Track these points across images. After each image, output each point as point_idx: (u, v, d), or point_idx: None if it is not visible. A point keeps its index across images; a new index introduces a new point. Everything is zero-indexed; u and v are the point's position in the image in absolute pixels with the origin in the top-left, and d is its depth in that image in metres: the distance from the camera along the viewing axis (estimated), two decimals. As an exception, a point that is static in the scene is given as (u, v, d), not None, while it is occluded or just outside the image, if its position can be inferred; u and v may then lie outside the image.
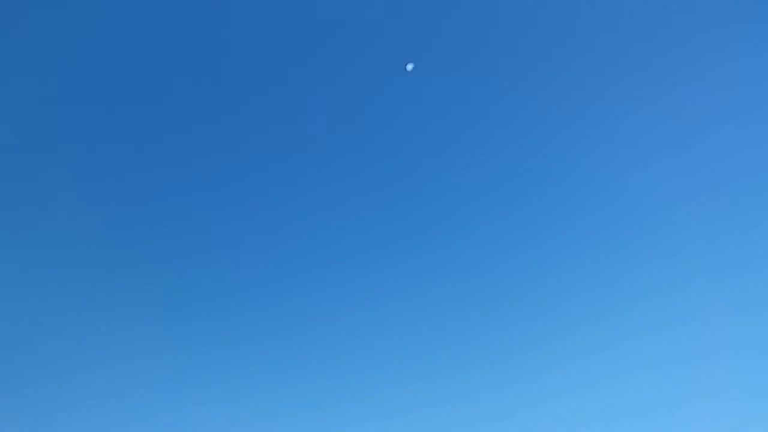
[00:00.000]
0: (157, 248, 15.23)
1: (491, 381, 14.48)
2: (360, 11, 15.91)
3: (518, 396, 14.30)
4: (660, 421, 13.70)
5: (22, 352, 14.16)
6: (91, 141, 15.47)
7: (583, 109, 15.72)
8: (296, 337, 14.94)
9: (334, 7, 15.88)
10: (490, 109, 15.92)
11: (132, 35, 15.65)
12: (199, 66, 15.84)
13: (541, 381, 14.40)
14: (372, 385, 14.54)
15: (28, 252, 14.83)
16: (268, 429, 14.07)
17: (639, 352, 14.38)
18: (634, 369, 14.28)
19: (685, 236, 14.97)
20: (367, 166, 15.85)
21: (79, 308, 14.69)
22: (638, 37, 15.76)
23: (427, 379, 14.61)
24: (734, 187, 15.04)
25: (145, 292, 14.96)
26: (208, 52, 15.87)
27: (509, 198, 15.66)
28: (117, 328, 14.62)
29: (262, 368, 14.74)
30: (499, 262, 15.33)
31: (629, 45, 15.76)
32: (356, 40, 15.90)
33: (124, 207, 15.33)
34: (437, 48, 15.89)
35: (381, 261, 15.44)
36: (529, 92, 15.87)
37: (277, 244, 15.51)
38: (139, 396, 14.17)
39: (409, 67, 15.21)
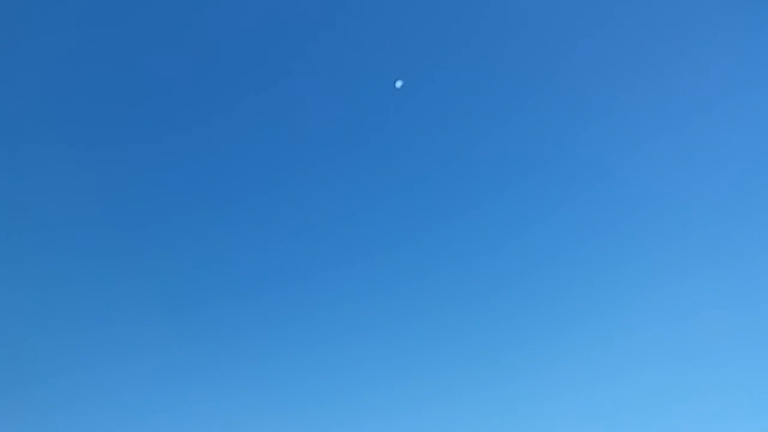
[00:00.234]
0: (154, 243, 15.26)
1: (491, 378, 14.53)
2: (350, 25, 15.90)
3: (517, 393, 14.37)
4: (661, 417, 13.75)
5: (15, 351, 14.13)
6: (85, 135, 15.47)
7: (575, 100, 15.76)
8: (295, 333, 14.98)
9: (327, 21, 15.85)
10: (479, 100, 15.95)
11: (127, 30, 15.64)
12: (196, 58, 15.83)
13: (540, 378, 14.46)
14: (371, 382, 14.59)
15: (20, 247, 14.79)
16: (268, 427, 14.09)
17: (638, 348, 14.43)
18: (634, 365, 14.34)
19: (682, 229, 15.01)
20: (365, 160, 15.87)
21: (74, 305, 14.70)
22: (630, 24, 15.78)
23: (428, 376, 14.65)
24: (732, 179, 15.07)
25: (141, 288, 14.94)
26: (206, 47, 15.86)
27: (504, 192, 15.70)
28: (111, 325, 14.61)
29: (261, 365, 14.75)
30: (497, 257, 15.37)
31: (622, 34, 15.78)
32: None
33: (119, 201, 15.34)
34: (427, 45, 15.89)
35: (379, 257, 15.46)
36: (518, 85, 15.91)
37: (274, 240, 15.53)
38: (136, 395, 14.20)
39: (398, 84, 15.30)
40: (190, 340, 14.67)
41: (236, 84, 15.83)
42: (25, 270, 14.64)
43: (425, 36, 15.90)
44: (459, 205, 15.62)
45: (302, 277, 15.24)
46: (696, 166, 15.19)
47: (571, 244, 15.23)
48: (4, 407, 13.69)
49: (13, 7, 15.15)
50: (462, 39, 15.89)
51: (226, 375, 14.50)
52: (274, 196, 15.63)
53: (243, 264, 15.24)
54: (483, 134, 15.80)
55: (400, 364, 14.69)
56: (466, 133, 15.84)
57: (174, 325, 14.73)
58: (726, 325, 14.21)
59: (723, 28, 15.34)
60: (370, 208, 15.64)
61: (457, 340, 14.79)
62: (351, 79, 15.91)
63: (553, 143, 15.68)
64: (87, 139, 15.36)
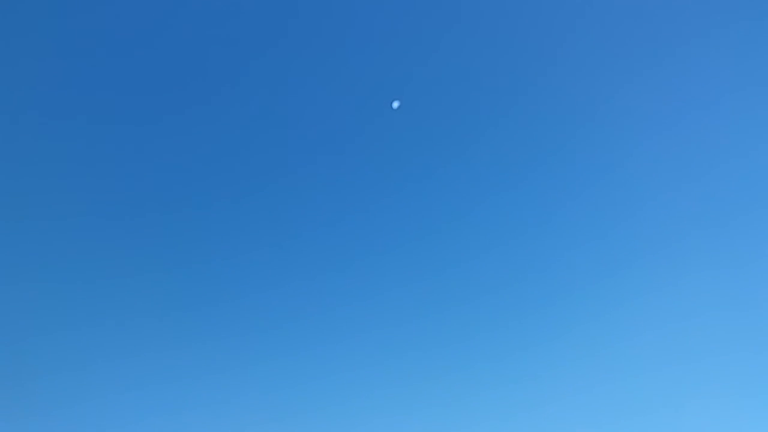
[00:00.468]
0: (151, 244, 15.26)
1: (490, 380, 14.44)
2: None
3: (517, 395, 14.26)
4: (660, 419, 13.66)
5: (12, 351, 14.11)
6: (84, 135, 15.55)
7: (574, 102, 15.81)
8: (292, 335, 14.93)
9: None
10: (479, 103, 16.03)
11: (126, 33, 15.76)
12: (195, 60, 15.94)
13: (541, 380, 14.37)
14: (369, 384, 14.51)
15: (19, 247, 14.82)
16: (268, 428, 14.04)
17: (638, 349, 14.35)
18: (634, 366, 14.25)
19: (683, 230, 14.99)
20: (363, 162, 15.91)
21: (72, 305, 14.68)
22: (627, 26, 15.86)
23: (426, 378, 14.57)
24: (732, 180, 15.08)
25: (138, 289, 14.96)
26: (206, 51, 15.96)
27: (504, 196, 15.70)
28: (108, 326, 14.59)
29: (257, 367, 14.69)
30: (497, 259, 15.34)
31: (618, 37, 15.85)
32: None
33: (117, 202, 15.36)
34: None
35: (378, 258, 15.45)
36: (518, 87, 15.96)
37: (272, 241, 15.54)
38: (132, 395, 14.14)
39: (395, 104, 15.35)
40: (186, 340, 14.69)
41: (240, 93, 15.99)
42: (24, 269, 14.71)
43: (424, 34, 16.09)
44: (459, 208, 15.67)
45: (300, 278, 15.30)
46: (695, 168, 15.26)
47: (570, 247, 15.25)
48: (2, 407, 13.66)
49: (13, 8, 15.31)
50: (461, 38, 16.07)
51: (225, 376, 14.50)
52: (274, 198, 15.71)
53: (242, 265, 15.29)
54: (480, 138, 15.89)
55: (399, 366, 14.67)
56: (465, 136, 15.94)
57: (170, 326, 14.75)
58: (728, 327, 14.16)
59: (721, 26, 15.47)
60: (370, 211, 15.70)
61: (457, 343, 14.77)
62: (352, 81, 16.08)
63: (552, 147, 15.76)
64: (86, 140, 15.51)
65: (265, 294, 15.12)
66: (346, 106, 16.02)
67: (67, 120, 15.49)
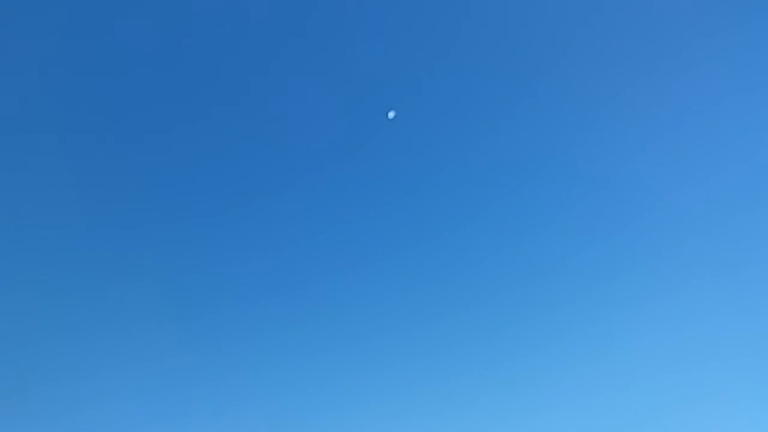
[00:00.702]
0: (153, 251, 15.28)
1: (491, 384, 14.41)
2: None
3: (518, 399, 14.23)
4: (662, 423, 13.59)
5: (12, 356, 14.14)
6: (86, 141, 15.57)
7: (576, 105, 15.76)
8: (293, 340, 14.92)
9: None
10: (480, 106, 16.00)
11: (128, 37, 15.77)
12: (197, 66, 15.96)
13: (542, 384, 14.33)
14: (369, 389, 14.50)
15: (20, 254, 14.85)
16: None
17: (640, 353, 14.30)
18: (636, 370, 14.21)
19: (682, 234, 14.94)
20: (365, 168, 15.89)
21: (73, 311, 14.69)
22: (630, 28, 15.81)
23: (427, 382, 14.56)
24: (732, 183, 15.02)
25: (140, 295, 14.96)
26: (209, 58, 15.98)
27: (506, 200, 15.67)
28: (110, 332, 14.62)
29: (259, 372, 14.70)
30: (498, 264, 15.31)
31: (621, 39, 15.81)
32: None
33: (119, 209, 15.38)
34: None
35: (379, 264, 15.44)
36: (521, 91, 15.93)
37: (276, 246, 15.54)
38: (133, 401, 14.15)
39: (391, 114, 15.33)
40: (191, 346, 14.68)
41: (239, 94, 16.04)
42: (24, 275, 14.74)
43: (425, 33, 16.08)
44: (460, 213, 15.65)
45: (304, 283, 15.30)
46: (697, 171, 15.20)
47: (572, 252, 15.21)
48: (3, 411, 13.69)
49: (13, 8, 15.33)
50: (461, 39, 16.06)
51: (228, 382, 14.50)
52: (276, 205, 15.72)
53: (245, 271, 15.30)
54: (481, 142, 15.87)
55: (400, 371, 14.65)
56: (466, 140, 15.92)
57: (175, 332, 14.75)
58: (730, 331, 14.10)
59: (724, 28, 15.40)
60: (371, 217, 15.68)
61: (458, 348, 14.75)
62: (354, 85, 16.07)
63: (553, 151, 15.72)
64: (88, 146, 15.53)
65: (266, 300, 15.18)
66: (348, 112, 16.04)
67: (72, 126, 15.58)
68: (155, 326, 14.75)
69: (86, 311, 14.70)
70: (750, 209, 14.79)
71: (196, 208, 15.58)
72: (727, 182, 15.02)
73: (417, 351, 14.78)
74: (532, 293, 15.02)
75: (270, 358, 14.73)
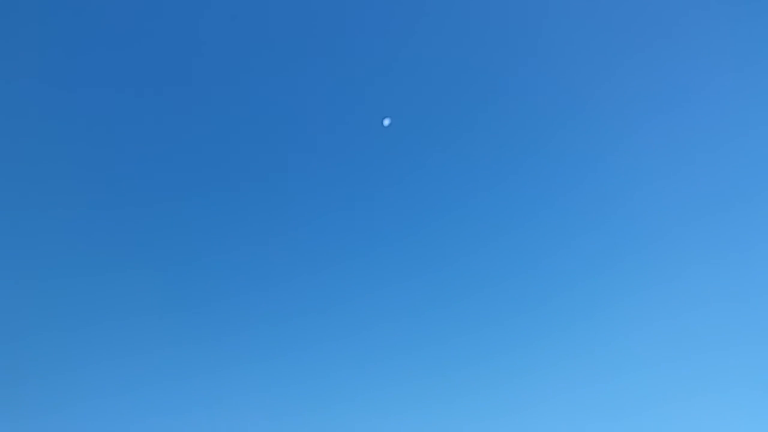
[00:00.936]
0: (145, 243, 15.19)
1: (484, 378, 14.39)
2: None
3: (511, 393, 14.22)
4: (658, 416, 13.59)
5: (7, 349, 14.02)
6: (81, 131, 15.46)
7: (567, 95, 15.76)
8: (287, 334, 14.86)
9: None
10: (470, 98, 15.96)
11: (121, 30, 15.70)
12: (195, 58, 15.88)
13: (535, 377, 14.32)
14: (364, 383, 14.46)
15: (11, 247, 14.73)
16: (262, 428, 13.96)
17: (635, 345, 14.29)
18: (631, 363, 14.20)
19: (676, 225, 14.94)
20: (357, 159, 15.87)
21: (65, 305, 14.59)
22: (620, 18, 15.82)
23: (421, 376, 14.54)
24: (725, 172, 15.03)
25: (132, 288, 14.86)
26: (204, 49, 15.92)
27: (496, 191, 15.66)
28: (103, 326, 14.51)
29: (253, 366, 14.63)
30: (489, 257, 15.29)
31: (610, 29, 15.82)
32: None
33: (111, 201, 15.29)
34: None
35: (372, 257, 15.40)
36: (510, 82, 15.93)
37: (270, 238, 15.49)
38: (126, 396, 14.06)
39: (386, 122, 15.31)
40: (184, 340, 14.60)
41: (236, 92, 15.96)
42: (15, 268, 14.64)
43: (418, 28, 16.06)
44: (450, 205, 15.62)
45: (297, 278, 15.20)
46: (691, 161, 15.20)
47: (565, 244, 15.18)
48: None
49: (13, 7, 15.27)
50: (450, 33, 16.05)
51: (222, 376, 14.40)
52: (269, 197, 15.66)
53: (238, 264, 15.23)
54: (470, 134, 15.85)
55: (395, 365, 14.61)
56: (455, 132, 15.91)
57: (168, 325, 14.65)
58: (726, 322, 14.08)
59: (716, 17, 15.42)
60: (364, 208, 15.63)
61: (451, 342, 14.72)
62: (348, 77, 16.05)
63: (544, 142, 15.70)
64: (81, 140, 15.41)
65: (260, 293, 15.11)
66: (340, 106, 16.02)
67: (63, 116, 15.46)
68: (148, 319, 14.70)
69: (78, 304, 14.66)
70: (743, 201, 14.83)
71: (191, 200, 15.55)
72: (720, 173, 15.06)
73: (410, 345, 14.80)
74: (523, 287, 15.04)
75: (264, 351, 14.72)
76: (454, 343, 14.68)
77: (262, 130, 15.92)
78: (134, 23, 15.74)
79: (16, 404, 13.62)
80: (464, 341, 14.67)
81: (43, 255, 14.74)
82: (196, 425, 13.87)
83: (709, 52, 15.33)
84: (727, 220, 14.69)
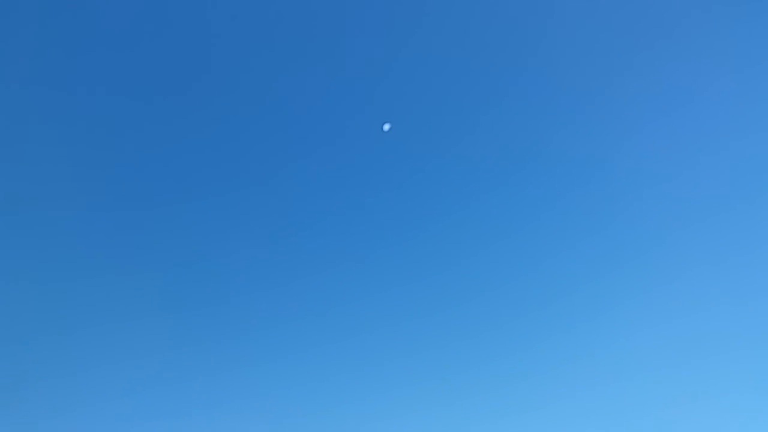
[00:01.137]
0: (149, 244, 15.19)
1: (485, 380, 14.37)
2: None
3: (513, 395, 14.18)
4: (658, 418, 13.57)
5: (3, 351, 14.02)
6: (83, 133, 15.47)
7: (569, 97, 15.74)
8: (290, 336, 14.87)
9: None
10: (471, 99, 15.94)
11: (120, 29, 15.69)
12: (196, 64, 15.89)
13: (537, 379, 14.30)
14: (366, 385, 14.44)
15: (13, 248, 14.73)
16: (264, 430, 13.97)
17: (636, 347, 14.27)
18: (632, 365, 14.17)
19: (677, 227, 14.91)
20: (359, 161, 15.86)
21: (67, 306, 14.59)
22: (622, 18, 15.78)
23: (425, 379, 14.52)
24: (727, 175, 14.99)
25: (135, 290, 14.86)
26: (205, 50, 15.90)
27: (496, 194, 15.65)
28: (105, 328, 14.51)
29: (256, 368, 14.62)
30: (491, 259, 15.28)
31: (612, 29, 15.78)
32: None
33: (113, 201, 15.29)
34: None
35: (375, 259, 15.39)
36: (512, 83, 15.90)
37: (271, 242, 15.49)
38: (129, 398, 14.04)
39: (386, 127, 15.29)
40: (187, 342, 14.60)
41: (238, 93, 15.95)
42: (18, 271, 14.63)
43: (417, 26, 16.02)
44: (452, 207, 15.62)
45: (300, 280, 15.23)
46: (691, 163, 15.18)
47: (567, 246, 15.17)
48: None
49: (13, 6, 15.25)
50: (452, 31, 16.02)
51: (225, 378, 14.41)
52: (272, 199, 15.67)
53: (241, 266, 15.24)
54: (472, 135, 15.85)
55: (396, 367, 14.60)
56: (458, 133, 15.91)
57: (171, 328, 14.66)
58: (726, 324, 14.06)
59: (718, 18, 15.37)
60: (367, 210, 15.63)
61: (452, 344, 14.72)
62: (351, 74, 16.03)
63: (546, 144, 15.69)
64: (86, 138, 15.43)
65: (263, 295, 15.11)
66: (344, 105, 16.00)
67: (66, 118, 15.44)
68: (150, 322, 14.69)
69: (80, 306, 14.65)
70: (744, 202, 14.81)
71: (194, 203, 15.56)
72: (720, 175, 15.04)
73: (412, 347, 14.79)
74: (526, 290, 15.03)
75: (266, 354, 14.72)
76: (456, 346, 14.70)
77: (264, 134, 15.95)
78: (140, 26, 15.75)
79: (18, 407, 13.65)
80: (466, 344, 14.70)
81: (46, 257, 14.79)
82: (198, 427, 13.89)
83: (713, 54, 15.31)
84: (732, 223, 14.69)
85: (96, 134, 15.51)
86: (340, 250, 15.40)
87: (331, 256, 15.36)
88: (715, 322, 14.08)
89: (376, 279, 15.21)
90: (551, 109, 15.73)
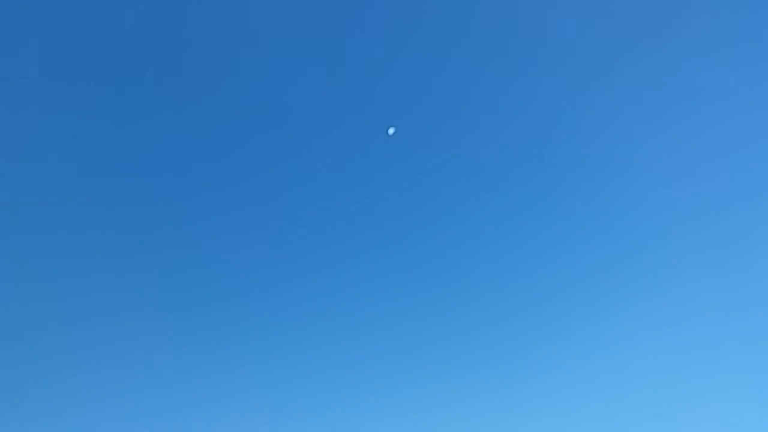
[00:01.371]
0: (146, 244, 15.12)
1: (484, 383, 14.38)
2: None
3: (512, 399, 14.23)
4: (662, 423, 13.61)
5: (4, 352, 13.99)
6: (80, 130, 15.32)
7: (569, 98, 15.65)
8: (290, 336, 14.84)
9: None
10: (471, 99, 15.82)
11: (125, 28, 15.55)
12: (196, 61, 15.76)
13: (535, 384, 14.32)
14: (366, 387, 14.45)
15: (8, 248, 14.64)
16: (261, 430, 13.97)
17: (637, 352, 14.28)
18: (632, 370, 14.20)
19: (678, 231, 14.88)
20: (359, 160, 15.79)
21: (64, 305, 14.53)
22: (624, 17, 15.67)
23: (426, 380, 14.53)
24: (728, 178, 14.94)
25: (133, 289, 14.78)
26: (208, 54, 15.79)
27: (496, 194, 15.60)
28: (104, 328, 14.46)
29: (256, 369, 14.58)
30: (491, 262, 15.26)
31: (614, 28, 15.67)
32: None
33: (111, 199, 15.21)
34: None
35: (374, 259, 15.36)
36: (512, 83, 15.80)
37: (272, 240, 15.43)
38: (127, 399, 14.03)
39: (391, 131, 15.21)
40: (187, 342, 14.56)
41: (237, 90, 15.87)
42: (15, 268, 14.56)
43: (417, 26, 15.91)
44: (451, 208, 15.58)
45: (300, 279, 15.18)
46: (693, 166, 15.13)
47: (566, 250, 15.15)
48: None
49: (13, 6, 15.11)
50: (451, 31, 15.92)
51: (224, 378, 14.37)
52: (271, 198, 15.60)
53: (241, 265, 15.17)
54: (472, 135, 15.77)
55: (398, 368, 14.61)
56: (457, 133, 15.82)
57: (170, 328, 14.60)
58: (727, 330, 14.08)
59: (721, 20, 15.27)
60: (367, 210, 15.58)
61: (451, 346, 14.72)
62: (350, 73, 15.94)
63: (545, 145, 15.63)
64: (82, 134, 15.30)
65: (263, 295, 15.07)
66: (344, 105, 15.91)
67: (62, 116, 15.33)
68: (148, 321, 14.65)
69: (78, 305, 14.61)
70: (745, 206, 14.79)
71: (193, 201, 15.49)
72: (721, 178, 15.00)
73: (413, 349, 14.79)
74: (526, 292, 15.03)
75: (265, 354, 14.70)
76: (457, 348, 14.72)
77: (266, 134, 15.88)
78: (144, 21, 15.62)
79: (16, 408, 13.64)
80: (467, 346, 14.71)
81: (45, 255, 14.72)
82: (198, 427, 13.93)
83: (722, 55, 15.22)
84: (736, 228, 14.68)
85: (95, 130, 15.45)
86: (341, 250, 15.41)
87: (332, 256, 15.37)
88: (717, 327, 14.13)
89: (377, 279, 15.23)
90: (554, 110, 15.68)
